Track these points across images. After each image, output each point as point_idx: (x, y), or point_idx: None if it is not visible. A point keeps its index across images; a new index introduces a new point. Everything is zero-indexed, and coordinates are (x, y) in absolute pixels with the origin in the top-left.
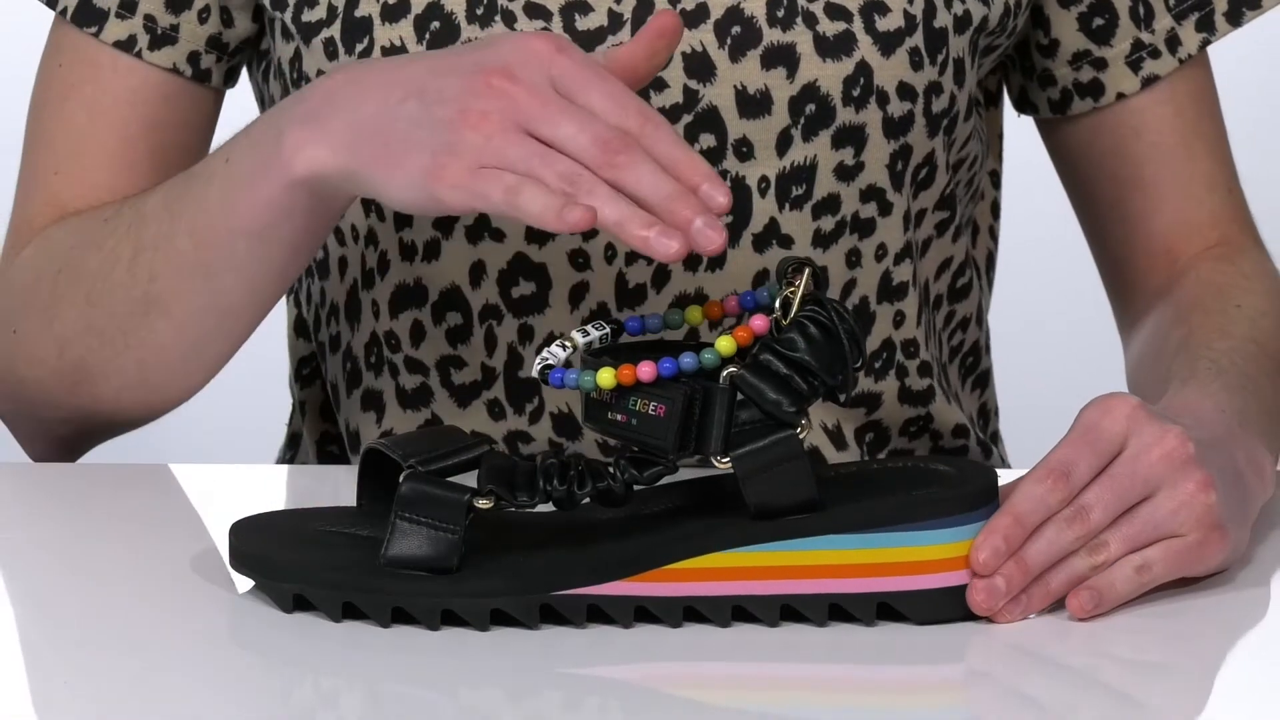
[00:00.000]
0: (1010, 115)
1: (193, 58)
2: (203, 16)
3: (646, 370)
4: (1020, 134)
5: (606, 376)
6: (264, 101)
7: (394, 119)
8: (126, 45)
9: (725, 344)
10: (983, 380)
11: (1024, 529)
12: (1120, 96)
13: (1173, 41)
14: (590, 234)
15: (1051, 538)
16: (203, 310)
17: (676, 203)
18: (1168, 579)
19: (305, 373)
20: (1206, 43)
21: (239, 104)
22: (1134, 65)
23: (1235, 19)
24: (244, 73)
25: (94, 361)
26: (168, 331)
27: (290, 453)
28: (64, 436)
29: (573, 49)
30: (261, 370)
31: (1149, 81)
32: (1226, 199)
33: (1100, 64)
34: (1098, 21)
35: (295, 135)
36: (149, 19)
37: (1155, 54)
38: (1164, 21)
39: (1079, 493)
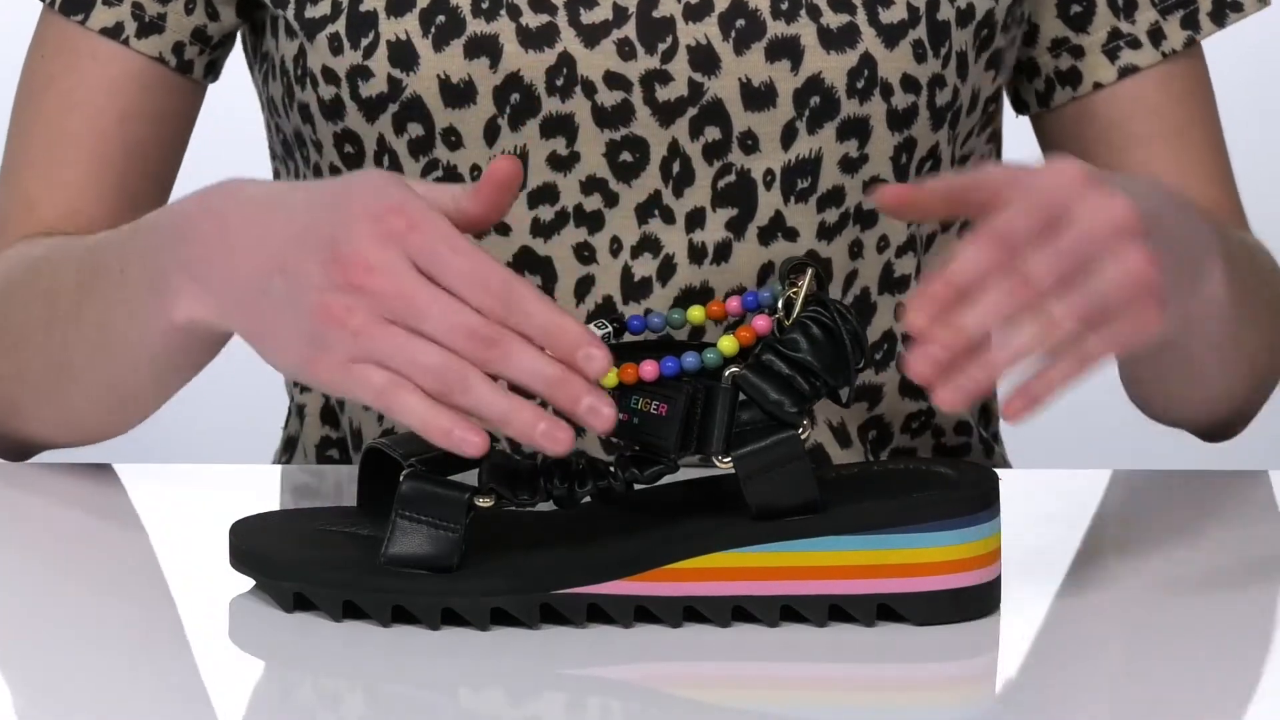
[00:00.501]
0: (1009, 117)
1: (177, 48)
2: (189, 7)
3: (649, 369)
4: (1022, 136)
5: (609, 375)
6: (267, 104)
7: (264, 294)
8: (113, 33)
9: (728, 344)
10: None
11: (956, 291)
12: (1097, 86)
13: (1156, 34)
14: (595, 228)
15: (991, 304)
16: (110, 387)
17: (559, 389)
18: (1105, 359)
19: None
20: (1192, 40)
21: (238, 104)
22: (1110, 54)
23: (1219, 20)
24: (231, 72)
25: (21, 404)
26: (80, 396)
27: (285, 457)
28: (12, 448)
29: (426, 222)
30: (260, 370)
31: (1127, 71)
32: (1226, 193)
33: (1078, 52)
34: (1075, 9)
35: (176, 283)
36: (137, 7)
37: (1135, 44)
38: (1147, 14)
39: (1023, 260)
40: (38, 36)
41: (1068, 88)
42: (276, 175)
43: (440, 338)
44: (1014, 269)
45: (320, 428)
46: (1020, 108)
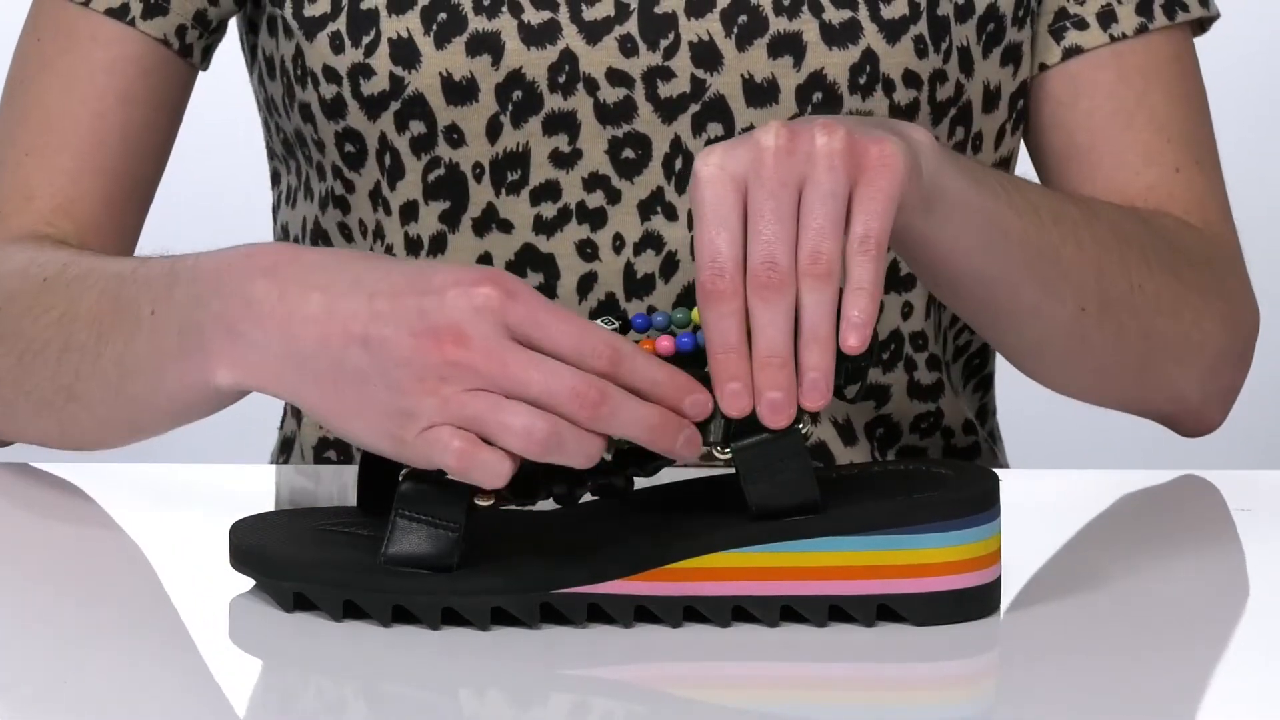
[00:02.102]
0: None
1: (180, 30)
2: None
3: (665, 344)
4: None
5: None
6: (267, 104)
7: (341, 367)
8: (119, 13)
9: None
10: (986, 383)
11: (739, 350)
12: (1043, 67)
13: (1106, 17)
14: (598, 224)
15: (768, 322)
16: (122, 418)
17: (660, 435)
18: (889, 227)
19: None
20: (1144, 28)
21: (238, 103)
22: (1056, 35)
23: (1170, 14)
24: (230, 69)
25: (20, 411)
26: (88, 419)
27: (283, 458)
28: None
29: (522, 291)
30: None
31: (1071, 53)
32: (1171, 178)
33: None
34: None
35: (220, 348)
36: None
37: (1081, 25)
38: None
39: (746, 260)
40: (32, 20)
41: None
42: (275, 175)
43: (544, 402)
44: (750, 277)
45: (318, 429)
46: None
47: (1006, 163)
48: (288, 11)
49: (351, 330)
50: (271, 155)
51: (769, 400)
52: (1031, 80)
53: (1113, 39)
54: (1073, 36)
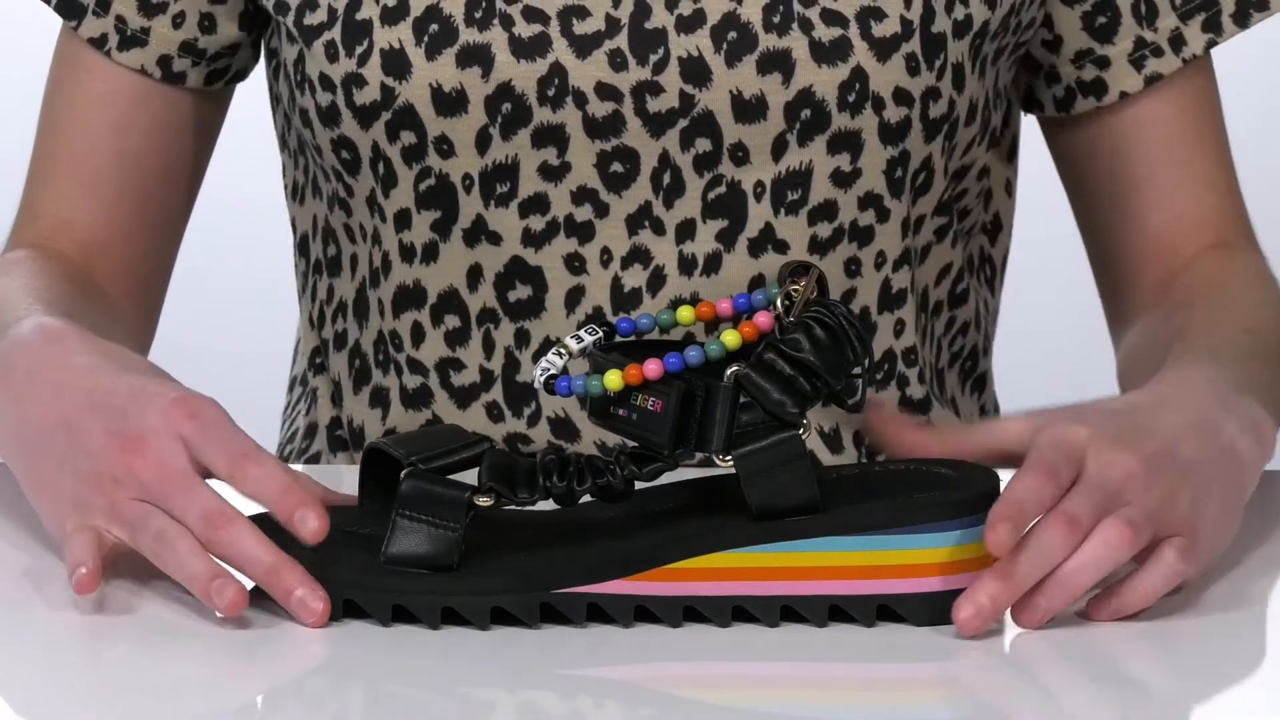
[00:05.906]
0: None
1: (163, 60)
2: (177, 21)
3: (653, 368)
4: (1024, 134)
5: (614, 379)
6: (275, 100)
7: (46, 448)
8: (99, 43)
9: (731, 337)
10: (981, 382)
11: (1021, 511)
12: (1124, 95)
13: (1177, 41)
14: (586, 238)
15: (1047, 546)
16: None
17: (274, 576)
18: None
19: (319, 361)
20: (1212, 43)
21: (240, 100)
22: (1137, 64)
23: (1242, 20)
24: (248, 73)
25: None
26: None
27: (306, 442)
28: None
29: (205, 412)
30: (266, 371)
31: (1152, 80)
32: (1226, 199)
33: (1103, 62)
34: (1100, 20)
35: None
36: (120, 19)
37: (1158, 52)
38: (1168, 21)
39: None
40: (57, 42)
41: (1090, 97)
42: (285, 168)
43: (183, 519)
44: (1059, 510)
45: (331, 409)
46: (1031, 107)
47: (964, 174)
48: (290, 19)
49: (64, 418)
50: (283, 147)
51: (969, 614)
52: (1101, 108)
53: (1184, 62)
54: (1153, 65)
